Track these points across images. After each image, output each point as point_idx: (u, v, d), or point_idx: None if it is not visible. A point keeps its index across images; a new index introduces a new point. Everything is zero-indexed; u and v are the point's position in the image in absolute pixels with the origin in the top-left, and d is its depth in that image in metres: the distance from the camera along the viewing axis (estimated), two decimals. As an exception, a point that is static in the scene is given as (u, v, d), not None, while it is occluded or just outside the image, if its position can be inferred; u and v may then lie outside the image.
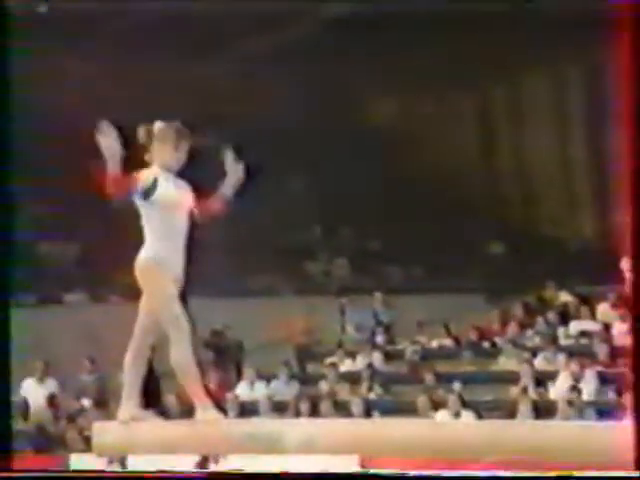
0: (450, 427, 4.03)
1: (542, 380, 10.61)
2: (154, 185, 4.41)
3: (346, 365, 12.30)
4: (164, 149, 4.50)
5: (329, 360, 12.42)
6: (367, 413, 10.48)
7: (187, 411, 11.45)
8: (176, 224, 4.50)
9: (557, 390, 10.29)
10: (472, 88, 15.88)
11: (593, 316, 12.25)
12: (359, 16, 14.06)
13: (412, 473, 3.64)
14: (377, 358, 12.27)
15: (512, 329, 12.11)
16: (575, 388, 9.80)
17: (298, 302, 14.45)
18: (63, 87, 14.60)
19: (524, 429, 4.08)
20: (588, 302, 12.48)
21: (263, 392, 11.59)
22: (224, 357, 12.96)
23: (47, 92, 14.67)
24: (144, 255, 4.51)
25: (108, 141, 4.36)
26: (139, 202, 4.46)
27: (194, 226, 4.64)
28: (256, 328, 13.21)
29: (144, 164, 4.53)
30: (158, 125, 4.51)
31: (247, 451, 4.50)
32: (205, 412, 4.44)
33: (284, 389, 11.74)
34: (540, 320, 12.21)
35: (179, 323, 4.56)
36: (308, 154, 16.26)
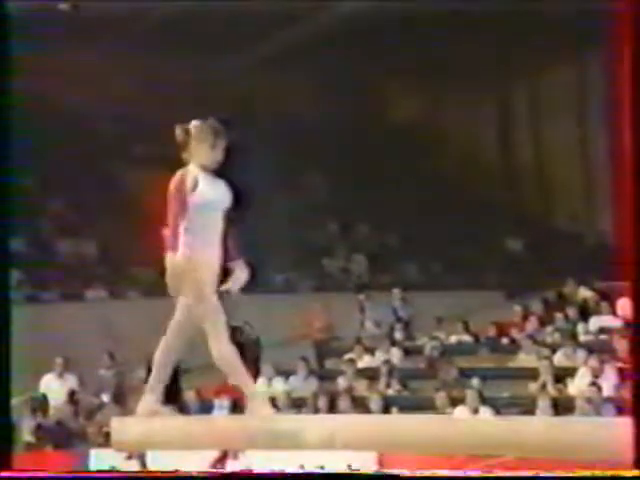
0: (468, 423, 4.02)
1: (561, 376, 10.56)
2: (195, 185, 4.45)
3: (364, 361, 12.29)
4: (201, 148, 4.53)
5: (347, 356, 12.41)
6: (385, 409, 10.47)
7: (206, 407, 11.53)
8: (213, 222, 4.52)
9: (576, 386, 10.24)
10: (490, 86, 15.83)
11: (613, 312, 12.18)
12: (376, 14, 14.02)
13: (413, 473, 3.62)
14: (396, 354, 12.26)
15: (531, 325, 12.06)
16: (595, 384, 9.75)
17: (316, 299, 14.46)
18: (76, 84, 14.64)
19: (543, 425, 4.06)
20: (608, 298, 12.41)
21: (282, 388, 11.59)
22: (242, 353, 12.94)
23: (60, 90, 14.74)
24: (181, 252, 4.52)
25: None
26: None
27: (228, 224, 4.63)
28: (275, 324, 13.22)
29: (182, 163, 4.56)
30: (194, 124, 4.54)
31: (266, 447, 4.51)
32: (254, 401, 4.43)
33: (303, 385, 11.74)
34: (559, 316, 12.15)
35: (216, 319, 4.58)
36: (326, 152, 16.26)
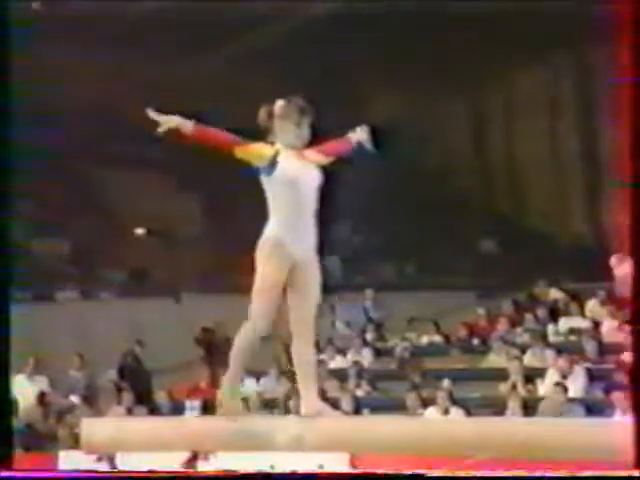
0: (439, 424, 4.02)
1: (531, 377, 10.60)
2: (273, 161, 4.33)
3: (336, 362, 12.28)
4: (286, 127, 4.41)
5: (319, 357, 12.40)
6: (356, 410, 10.47)
7: (177, 408, 11.46)
8: (302, 202, 4.36)
9: (546, 387, 10.29)
10: (464, 86, 15.88)
11: (582, 313, 12.26)
12: (349, 13, 13.99)
13: (410, 472, 3.60)
14: (367, 355, 12.27)
15: (502, 326, 12.10)
16: (561, 385, 9.80)
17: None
18: (46, 83, 14.51)
19: (513, 426, 4.07)
20: (577, 299, 12.49)
21: (253, 389, 11.56)
22: (214, 354, 12.93)
23: (28, 89, 14.59)
24: (265, 234, 4.42)
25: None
26: (263, 178, 4.38)
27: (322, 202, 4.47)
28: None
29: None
30: (279, 103, 4.44)
31: (237, 448, 4.48)
32: (307, 403, 4.32)
33: (274, 386, 11.72)
34: (530, 317, 12.21)
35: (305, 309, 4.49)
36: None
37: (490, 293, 13.90)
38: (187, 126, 4.39)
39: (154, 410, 11.08)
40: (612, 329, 11.64)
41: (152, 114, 4.36)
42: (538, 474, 3.39)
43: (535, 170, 16.28)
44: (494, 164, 16.85)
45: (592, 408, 9.62)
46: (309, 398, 4.33)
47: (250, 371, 12.12)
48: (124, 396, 11.26)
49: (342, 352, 12.47)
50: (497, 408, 9.81)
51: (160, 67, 14.65)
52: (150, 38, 14.12)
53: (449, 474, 3.29)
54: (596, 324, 11.84)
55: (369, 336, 13.01)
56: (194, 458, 7.78)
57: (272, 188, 4.37)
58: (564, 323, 12.07)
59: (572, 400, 9.74)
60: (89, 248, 15.64)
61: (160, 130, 4.37)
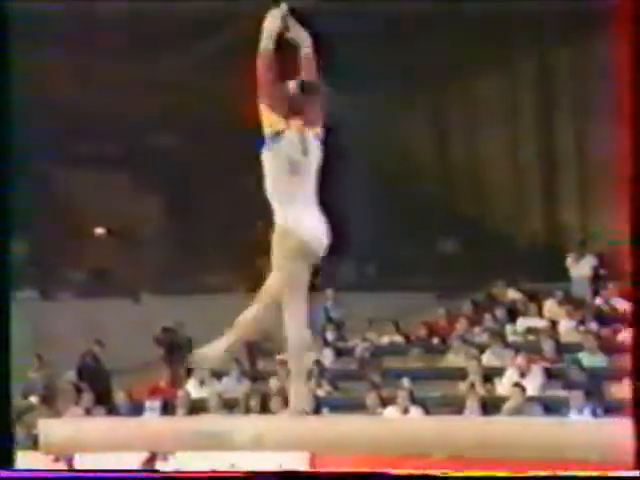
0: (398, 423, 4.02)
1: (490, 376, 10.66)
2: (279, 133, 4.24)
3: (297, 362, 12.25)
4: (300, 104, 4.32)
5: (279, 357, 12.37)
6: (316, 410, 10.45)
7: (137, 408, 11.37)
8: (300, 185, 4.31)
9: (504, 386, 10.35)
10: (426, 86, 15.90)
11: (540, 313, 12.36)
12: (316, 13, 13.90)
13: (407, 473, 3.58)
14: (327, 355, 12.26)
15: (461, 326, 12.17)
16: (518, 385, 9.87)
17: (250, 299, 14.37)
18: (9, 82, 14.30)
19: (471, 424, 4.08)
20: (535, 299, 12.60)
21: (213, 389, 11.51)
22: (175, 354, 12.85)
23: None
24: (278, 223, 4.38)
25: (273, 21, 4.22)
26: (266, 153, 4.27)
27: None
28: (208, 325, 13.09)
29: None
30: (293, 82, 4.34)
31: (196, 448, 4.45)
32: (297, 397, 4.26)
33: (235, 386, 11.67)
34: (488, 317, 12.29)
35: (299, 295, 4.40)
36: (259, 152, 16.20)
37: (450, 293, 13.96)
38: None
39: (113, 410, 10.99)
40: (569, 328, 11.75)
41: None
42: (538, 474, 3.38)
43: (495, 173, 16.37)
44: (455, 167, 16.93)
45: (550, 406, 9.70)
46: (300, 396, 4.23)
47: (211, 371, 12.07)
48: (83, 396, 11.16)
49: (303, 352, 12.43)
50: (456, 407, 9.85)
51: (123, 66, 14.53)
52: (116, 37, 14.00)
53: (449, 474, 3.27)
54: (553, 323, 11.95)
55: (329, 336, 13.01)
56: (153, 458, 7.74)
57: (271, 161, 4.30)
58: (522, 323, 12.16)
59: (530, 399, 9.81)
60: (49, 248, 15.48)
61: None
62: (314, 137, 4.35)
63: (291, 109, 4.31)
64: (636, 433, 2.70)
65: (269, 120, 4.27)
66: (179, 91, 15.10)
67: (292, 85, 4.33)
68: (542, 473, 3.40)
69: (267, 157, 4.26)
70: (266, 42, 4.31)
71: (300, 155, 4.26)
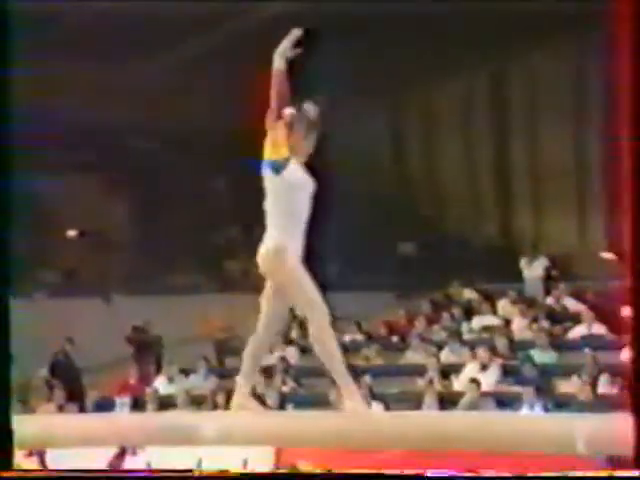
0: (359, 418, 4.02)
1: (447, 372, 10.72)
2: (286, 161, 4.16)
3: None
4: (293, 137, 4.22)
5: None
6: (282, 405, 10.45)
7: (108, 405, 11.28)
8: (300, 207, 4.24)
9: (461, 382, 10.41)
10: (384, 91, 15.92)
11: (494, 312, 12.45)
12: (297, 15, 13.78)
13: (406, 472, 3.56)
14: (292, 352, 12.26)
15: (420, 324, 12.22)
16: (475, 381, 9.93)
17: (218, 299, 14.35)
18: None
19: (429, 419, 4.09)
20: (490, 298, 12.69)
21: (182, 386, 11.47)
22: (145, 352, 12.79)
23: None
24: (271, 243, 4.26)
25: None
26: (269, 177, 4.19)
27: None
28: (177, 324, 13.09)
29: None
30: (289, 112, 4.23)
31: (164, 443, 4.43)
32: (352, 397, 4.11)
33: (202, 383, 11.64)
34: (446, 316, 12.36)
35: (315, 304, 4.37)
36: (229, 154, 16.15)
37: (409, 293, 14.02)
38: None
39: (85, 407, 10.91)
40: (522, 327, 11.84)
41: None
42: (538, 474, 3.38)
43: (452, 177, 16.47)
44: (413, 171, 16.99)
45: (503, 401, 9.77)
46: (352, 396, 4.14)
47: (180, 368, 12.03)
48: (55, 393, 11.07)
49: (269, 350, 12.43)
50: (415, 402, 9.89)
51: (93, 71, 14.40)
52: (87, 41, 13.86)
53: (448, 474, 3.26)
54: (507, 322, 12.05)
55: (294, 334, 13.01)
56: (122, 453, 7.69)
57: (277, 189, 4.21)
58: (477, 321, 12.24)
59: (485, 394, 9.87)
60: (21, 249, 15.32)
61: None
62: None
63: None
64: (636, 432, 2.69)
65: (280, 143, 4.21)
66: (147, 96, 15.00)
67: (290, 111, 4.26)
68: (542, 473, 3.40)
69: (273, 181, 4.20)
70: (279, 61, 4.24)
71: (301, 178, 4.26)
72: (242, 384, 4.28)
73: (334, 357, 4.16)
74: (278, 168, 4.18)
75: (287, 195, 4.19)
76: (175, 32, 13.54)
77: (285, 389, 11.16)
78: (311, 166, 4.37)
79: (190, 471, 3.84)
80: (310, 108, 4.28)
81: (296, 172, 4.22)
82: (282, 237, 4.24)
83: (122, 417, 5.76)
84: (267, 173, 4.22)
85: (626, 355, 10.49)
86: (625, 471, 2.90)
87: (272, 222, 4.25)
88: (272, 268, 4.27)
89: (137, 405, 10.84)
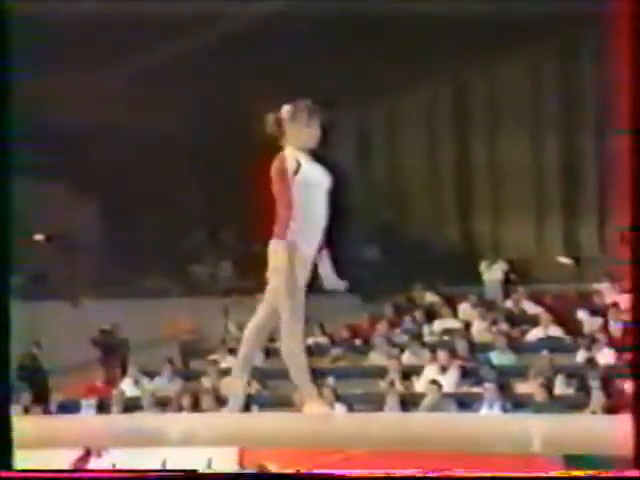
0: (322, 419, 4.01)
1: (408, 374, 10.74)
2: (298, 167, 4.09)
3: (227, 362, 12.20)
4: (296, 129, 4.16)
5: (211, 357, 12.31)
6: (246, 407, 10.40)
7: (74, 407, 11.16)
8: (316, 207, 4.17)
9: (422, 383, 10.44)
10: (347, 98, 15.93)
11: (455, 315, 12.51)
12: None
13: (403, 472, 3.53)
14: (257, 355, 12.21)
15: (382, 327, 12.24)
16: (436, 382, 9.96)
17: (184, 303, 14.29)
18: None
19: (391, 420, 4.09)
20: (451, 302, 12.75)
21: (147, 388, 11.38)
22: (111, 355, 12.69)
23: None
24: (289, 241, 4.13)
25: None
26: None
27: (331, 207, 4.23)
28: (143, 327, 13.01)
29: (279, 150, 4.18)
30: (286, 108, 4.17)
31: (130, 444, 4.39)
32: (311, 402, 4.06)
33: (168, 385, 11.57)
34: (408, 319, 12.39)
35: (295, 313, 4.19)
36: (197, 159, 16.08)
37: (372, 297, 14.04)
38: None
39: (51, 409, 10.79)
40: (481, 329, 11.91)
41: None
42: (538, 474, 3.37)
43: (414, 183, 16.54)
44: (377, 177, 17.04)
45: (463, 402, 9.80)
46: (312, 399, 4.11)
47: (145, 371, 11.95)
48: (22, 396, 10.94)
49: (234, 352, 12.38)
50: (377, 404, 9.90)
51: (61, 77, 14.28)
52: (55, 48, 13.73)
53: (447, 474, 3.25)
54: (467, 325, 12.10)
55: (259, 337, 12.95)
56: (87, 455, 7.62)
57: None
58: (439, 324, 12.29)
59: (446, 395, 9.90)
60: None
61: None
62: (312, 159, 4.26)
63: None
64: (636, 432, 2.69)
65: (293, 157, 4.15)
66: (117, 100, 14.90)
67: (273, 118, 4.21)
68: (543, 474, 3.39)
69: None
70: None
71: (315, 179, 4.21)
72: (237, 368, 4.22)
73: (301, 368, 4.13)
74: (293, 174, 4.14)
75: (300, 198, 4.13)
76: (144, 36, 13.43)
77: (250, 391, 11.12)
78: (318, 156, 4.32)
79: (194, 471, 3.80)
80: (307, 101, 4.25)
81: (309, 172, 4.17)
82: (293, 235, 4.14)
83: (87, 419, 5.69)
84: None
85: (581, 357, 10.59)
86: (624, 471, 2.89)
87: (293, 222, 4.14)
88: (274, 262, 4.16)
89: (103, 407, 10.75)
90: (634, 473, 2.80)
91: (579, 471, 3.15)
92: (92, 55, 13.32)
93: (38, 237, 15.79)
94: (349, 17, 12.63)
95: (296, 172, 4.11)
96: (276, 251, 4.15)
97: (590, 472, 3.07)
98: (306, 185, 4.13)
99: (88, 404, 10.67)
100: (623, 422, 3.09)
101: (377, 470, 3.37)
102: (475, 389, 10.09)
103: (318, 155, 4.35)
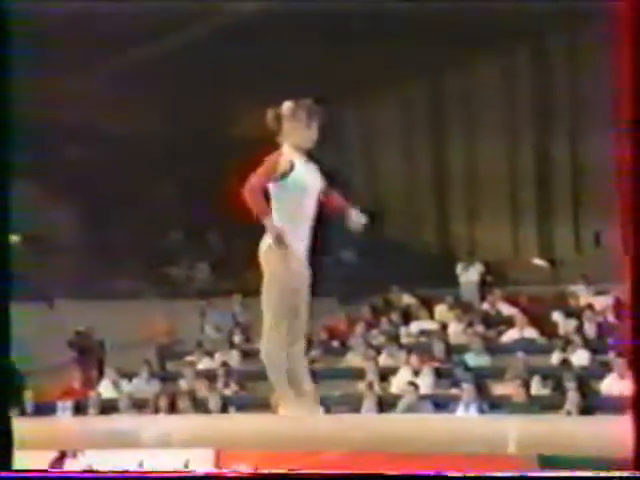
0: (299, 421, 4.00)
1: (385, 375, 10.76)
2: (291, 168, 4.04)
3: (204, 363, 12.16)
4: (295, 128, 4.12)
5: (188, 359, 12.27)
6: (224, 409, 10.38)
7: (49, 408, 11.08)
8: (305, 208, 4.14)
9: (398, 385, 10.45)
10: (322, 97, 15.85)
11: (431, 316, 12.54)
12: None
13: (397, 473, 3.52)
14: (234, 356, 12.20)
15: (360, 329, 12.25)
16: (413, 383, 9.98)
17: (161, 304, 14.23)
18: None
19: (368, 421, 4.09)
20: (427, 304, 12.78)
21: (124, 390, 11.32)
22: (87, 357, 12.61)
23: None
24: (266, 241, 4.11)
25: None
26: (273, 184, 4.06)
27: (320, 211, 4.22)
28: (120, 329, 12.94)
29: (276, 146, 4.13)
30: (287, 105, 4.12)
31: (106, 446, 4.36)
32: (287, 405, 4.05)
33: (145, 387, 11.51)
34: (385, 320, 12.41)
35: (277, 315, 4.16)
36: (175, 160, 16.02)
37: (349, 298, 14.04)
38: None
39: (26, 411, 10.71)
40: (457, 331, 11.94)
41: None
42: (539, 475, 3.36)
43: (391, 185, 16.57)
44: (353, 179, 17.05)
45: (440, 404, 9.83)
46: (288, 401, 4.07)
47: (122, 372, 11.88)
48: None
49: (210, 354, 12.37)
50: (355, 405, 9.91)
51: (36, 76, 14.15)
52: (31, 44, 13.58)
53: (445, 474, 3.24)
54: (444, 326, 12.14)
55: (236, 339, 12.94)
56: (62, 457, 7.56)
57: (280, 193, 4.10)
58: (415, 326, 12.31)
59: (423, 397, 9.92)
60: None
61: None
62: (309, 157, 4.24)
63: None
64: (636, 433, 2.68)
65: (280, 171, 4.11)
66: (93, 99, 14.80)
67: (273, 113, 4.17)
68: (542, 474, 3.39)
69: (275, 186, 4.11)
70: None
71: (308, 181, 4.17)
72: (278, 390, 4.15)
73: (279, 370, 4.10)
74: (282, 179, 4.10)
75: (290, 198, 4.11)
76: (121, 37, 13.36)
77: (227, 392, 11.09)
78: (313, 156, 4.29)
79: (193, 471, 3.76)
80: (308, 101, 4.22)
81: (299, 177, 4.14)
82: (287, 237, 4.12)
83: (64, 421, 5.65)
84: (273, 182, 4.13)
85: (556, 358, 10.64)
86: (625, 471, 2.89)
87: (277, 220, 4.12)
88: (266, 265, 4.15)
89: (79, 409, 10.68)
90: (635, 473, 2.80)
91: (579, 471, 3.15)
92: (67, 54, 13.22)
93: (13, 238, 15.67)
94: (321, 16, 12.59)
95: (284, 175, 4.07)
96: (267, 253, 4.13)
97: (590, 472, 3.08)
98: (298, 186, 4.11)
99: (64, 406, 10.60)
100: (599, 423, 3.10)
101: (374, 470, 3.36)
102: (451, 390, 10.12)
103: (314, 155, 4.33)
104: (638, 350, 2.68)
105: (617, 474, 2.94)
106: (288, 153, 4.12)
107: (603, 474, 3.02)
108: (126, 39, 13.63)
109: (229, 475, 3.82)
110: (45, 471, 3.93)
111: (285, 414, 4.02)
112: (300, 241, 4.20)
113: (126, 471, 3.60)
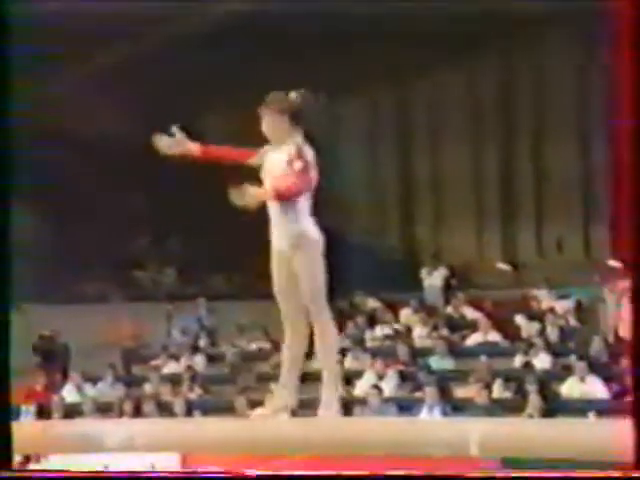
0: (264, 424, 4.00)
1: (350, 378, 10.77)
2: (262, 160, 4.00)
3: (170, 367, 12.10)
4: (273, 120, 4.10)
5: (153, 363, 12.20)
6: (189, 412, 10.33)
7: (13, 412, 10.91)
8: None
9: (363, 388, 10.47)
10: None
11: (396, 320, 12.58)
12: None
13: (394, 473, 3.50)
14: (199, 360, 12.15)
15: (325, 333, 12.24)
16: (376, 387, 10.00)
17: (127, 308, 14.13)
18: None
19: (333, 425, 4.09)
20: (392, 307, 12.82)
21: (89, 394, 11.23)
22: (51, 361, 12.49)
23: None
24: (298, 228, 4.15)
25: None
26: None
27: None
28: (85, 333, 12.83)
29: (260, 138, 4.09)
30: (294, 94, 4.11)
31: (69, 450, 4.32)
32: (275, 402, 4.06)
33: (109, 391, 11.42)
34: (350, 324, 12.43)
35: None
36: (142, 164, 15.92)
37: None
38: (194, 149, 4.02)
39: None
40: (422, 335, 11.99)
41: (158, 140, 3.95)
42: (538, 474, 3.37)
43: (356, 188, 16.59)
44: (319, 182, 17.07)
45: (403, 407, 9.86)
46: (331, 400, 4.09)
47: (87, 376, 11.78)
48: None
49: (176, 358, 12.31)
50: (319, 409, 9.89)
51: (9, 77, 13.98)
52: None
53: (441, 474, 3.23)
54: (408, 330, 12.18)
55: (202, 343, 12.89)
56: (26, 461, 7.48)
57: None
58: (380, 329, 12.34)
59: (387, 400, 9.95)
60: None
61: (166, 153, 3.97)
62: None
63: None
64: (636, 433, 2.69)
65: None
66: (61, 105, 14.67)
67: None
68: (542, 474, 3.39)
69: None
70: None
71: (272, 166, 4.19)
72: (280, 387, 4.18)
73: (296, 367, 4.21)
74: (257, 169, 4.11)
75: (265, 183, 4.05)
76: (89, 40, 13.23)
77: (192, 396, 11.03)
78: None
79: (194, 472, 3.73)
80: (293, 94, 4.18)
81: (268, 161, 4.15)
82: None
83: (27, 425, 5.59)
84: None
85: (519, 361, 10.72)
86: (625, 472, 2.90)
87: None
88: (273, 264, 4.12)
89: (43, 413, 10.58)
90: (636, 473, 2.82)
91: (578, 472, 3.16)
92: (38, 57, 13.09)
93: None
94: (291, 18, 12.55)
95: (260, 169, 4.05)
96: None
97: (590, 473, 3.09)
98: (266, 173, 4.14)
99: (27, 410, 10.49)
100: (560, 426, 3.13)
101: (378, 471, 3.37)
102: (416, 393, 10.15)
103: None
104: (638, 352, 2.70)
105: (617, 474, 2.95)
106: (266, 149, 4.14)
107: (603, 474, 3.03)
108: (94, 42, 13.52)
109: (201, 476, 3.81)
110: (45, 471, 3.89)
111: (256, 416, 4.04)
112: (284, 229, 4.22)
113: (134, 472, 3.57)
